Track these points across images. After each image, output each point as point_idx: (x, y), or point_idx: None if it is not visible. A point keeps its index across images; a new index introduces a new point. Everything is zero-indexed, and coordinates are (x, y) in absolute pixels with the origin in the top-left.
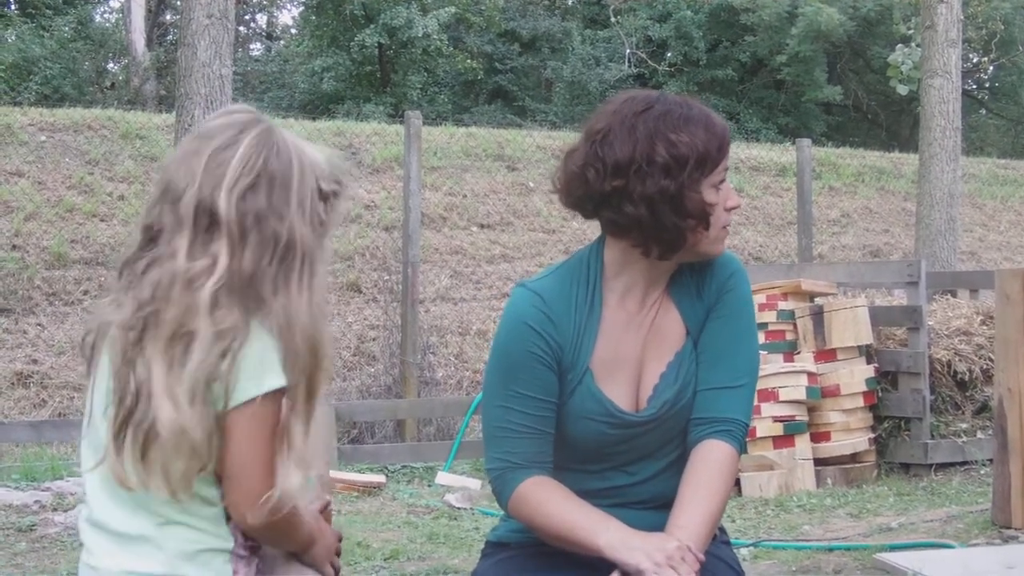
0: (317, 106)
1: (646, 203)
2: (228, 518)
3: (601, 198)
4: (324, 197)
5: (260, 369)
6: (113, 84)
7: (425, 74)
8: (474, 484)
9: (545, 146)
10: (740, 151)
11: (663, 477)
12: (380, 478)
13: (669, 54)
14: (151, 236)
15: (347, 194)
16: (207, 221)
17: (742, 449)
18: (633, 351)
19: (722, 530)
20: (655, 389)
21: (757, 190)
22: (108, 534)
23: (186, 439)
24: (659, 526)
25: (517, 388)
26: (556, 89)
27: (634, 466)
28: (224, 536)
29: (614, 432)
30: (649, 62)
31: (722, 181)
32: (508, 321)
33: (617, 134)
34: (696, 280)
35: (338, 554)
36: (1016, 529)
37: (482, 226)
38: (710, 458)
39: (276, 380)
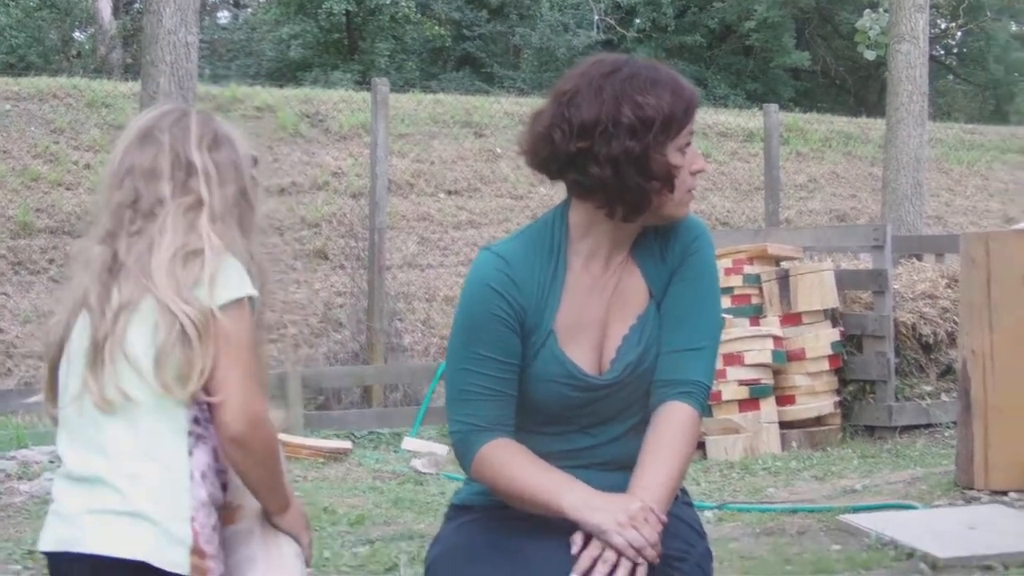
0: (284, 74)
1: (611, 164)
2: (190, 453)
3: (567, 159)
4: (254, 161)
5: (240, 276)
6: (79, 53)
7: (393, 41)
8: (440, 449)
9: (513, 112)
10: (708, 117)
11: (625, 439)
12: (346, 444)
13: (638, 20)
14: (121, 215)
15: (260, 162)
16: (184, 173)
17: (704, 411)
18: (597, 314)
19: (684, 491)
20: (618, 352)
21: (725, 156)
22: (71, 480)
23: (188, 330)
24: (621, 487)
25: (479, 350)
26: (524, 56)
27: (597, 428)
28: (182, 473)
29: (577, 395)
30: (617, 28)
31: (688, 144)
32: (471, 284)
33: (584, 95)
34: (660, 243)
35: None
36: (979, 490)
37: (449, 192)
38: (672, 420)
39: (252, 290)
